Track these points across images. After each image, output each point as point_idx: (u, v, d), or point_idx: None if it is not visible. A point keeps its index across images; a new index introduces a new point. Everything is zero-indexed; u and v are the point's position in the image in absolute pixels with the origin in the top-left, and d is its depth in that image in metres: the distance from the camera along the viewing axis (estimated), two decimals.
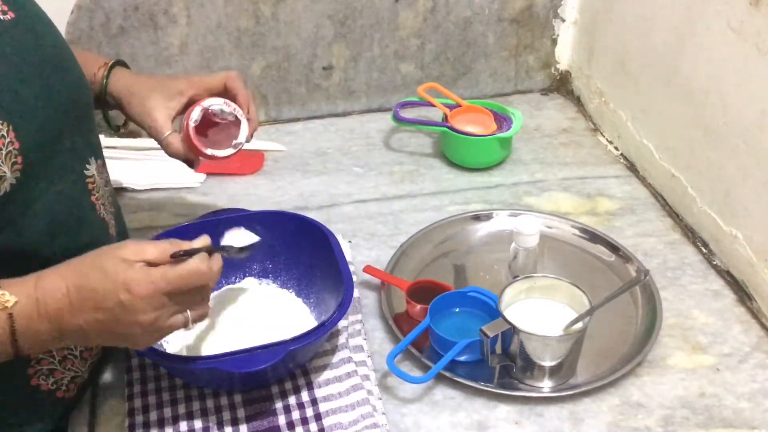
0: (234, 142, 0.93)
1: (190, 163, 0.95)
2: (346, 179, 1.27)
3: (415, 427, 0.86)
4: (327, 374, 0.89)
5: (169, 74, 1.34)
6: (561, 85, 1.53)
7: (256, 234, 0.98)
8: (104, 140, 1.02)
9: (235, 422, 0.84)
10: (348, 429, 0.83)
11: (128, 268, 0.69)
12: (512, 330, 0.86)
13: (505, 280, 1.04)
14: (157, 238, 0.95)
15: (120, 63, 0.98)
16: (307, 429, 0.83)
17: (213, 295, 0.96)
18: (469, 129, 1.27)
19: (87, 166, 0.83)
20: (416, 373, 0.91)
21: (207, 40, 1.33)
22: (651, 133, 1.24)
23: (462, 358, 0.91)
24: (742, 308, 1.01)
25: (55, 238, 0.77)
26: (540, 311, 0.91)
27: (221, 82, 0.94)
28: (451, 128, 1.27)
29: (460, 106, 1.32)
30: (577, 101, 1.49)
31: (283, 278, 0.99)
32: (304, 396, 0.87)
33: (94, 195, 0.84)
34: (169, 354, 0.85)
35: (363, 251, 1.10)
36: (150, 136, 0.94)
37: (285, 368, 0.87)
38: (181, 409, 0.86)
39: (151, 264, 0.71)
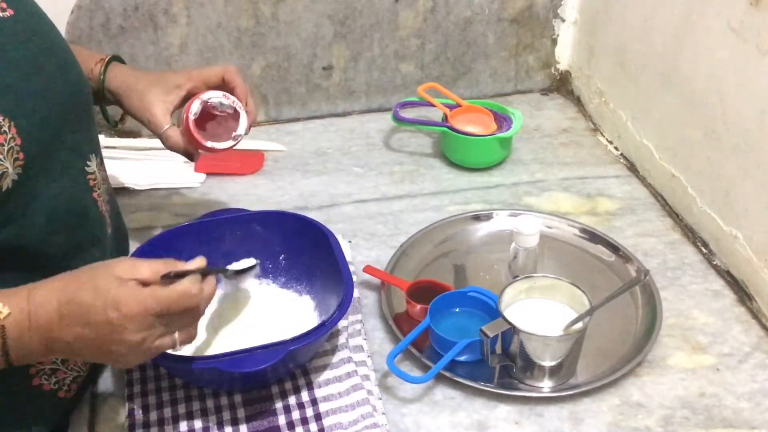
0: (233, 134, 0.93)
1: (190, 156, 0.95)
2: (346, 179, 1.27)
3: (415, 427, 0.86)
4: (327, 374, 0.89)
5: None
6: (561, 85, 1.53)
7: (256, 234, 0.99)
8: (104, 140, 1.03)
9: (235, 422, 0.84)
10: (348, 429, 0.83)
11: (119, 286, 0.68)
12: (512, 330, 0.86)
13: (505, 280, 1.04)
14: (157, 237, 0.95)
15: (116, 58, 0.98)
16: (307, 429, 0.83)
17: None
18: (469, 129, 1.27)
19: (88, 162, 0.83)
20: (416, 373, 0.91)
21: (207, 40, 1.33)
22: (651, 133, 1.24)
23: (462, 358, 0.91)
24: (742, 308, 1.01)
25: (57, 234, 0.78)
26: (540, 311, 0.91)
27: (219, 75, 0.95)
28: (451, 128, 1.27)
29: (460, 106, 1.32)
30: (577, 101, 1.49)
31: (283, 278, 0.99)
32: (304, 396, 0.87)
33: (96, 191, 0.84)
34: (169, 354, 0.84)
35: (363, 251, 1.10)
36: (149, 130, 0.94)
37: (285, 368, 0.87)
38: (181, 409, 0.86)
39: (144, 283, 0.70)
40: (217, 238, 0.98)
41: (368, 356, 0.92)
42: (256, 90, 1.40)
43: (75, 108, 0.81)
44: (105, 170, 0.92)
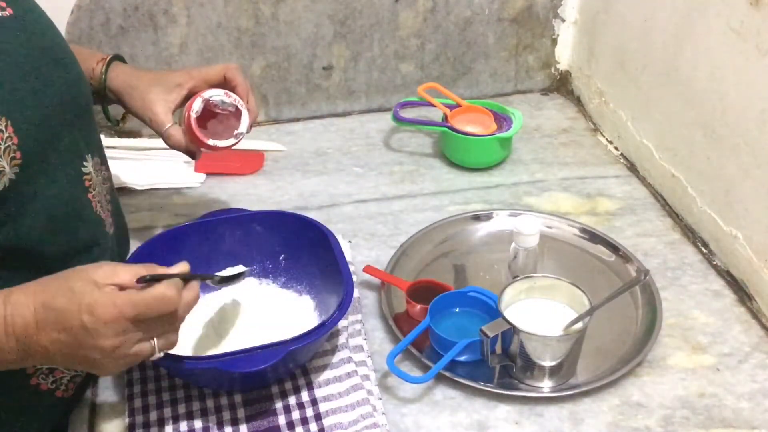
0: (235, 132, 0.93)
1: (192, 155, 0.95)
2: (346, 179, 1.27)
3: (415, 427, 0.86)
4: (327, 374, 0.89)
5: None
6: (561, 85, 1.53)
7: (256, 234, 0.99)
8: (104, 140, 1.02)
9: (235, 422, 0.84)
10: (348, 429, 0.83)
11: (95, 290, 0.67)
12: (512, 330, 0.86)
13: (505, 280, 1.04)
14: (157, 237, 0.95)
15: (117, 57, 0.98)
16: (307, 429, 0.83)
17: (213, 295, 0.97)
18: (469, 129, 1.27)
19: (84, 163, 0.83)
20: (416, 373, 0.91)
21: (207, 40, 1.33)
22: (651, 133, 1.24)
23: (462, 358, 0.91)
24: (742, 308, 1.01)
25: (53, 234, 0.77)
26: (540, 311, 0.91)
27: (220, 73, 0.95)
28: (451, 128, 1.27)
29: (460, 106, 1.32)
30: (577, 101, 1.49)
31: (283, 278, 0.99)
32: (304, 396, 0.87)
33: (90, 192, 0.84)
34: (169, 354, 0.84)
35: (363, 251, 1.10)
36: (151, 129, 0.94)
37: (285, 368, 0.87)
38: (181, 409, 0.86)
39: (122, 288, 0.69)
40: (217, 238, 0.98)
41: (368, 356, 0.92)
42: (257, 90, 1.39)
43: (73, 108, 0.81)
44: (108, 170, 0.92)
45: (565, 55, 1.51)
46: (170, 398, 0.87)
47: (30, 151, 0.72)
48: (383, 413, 0.86)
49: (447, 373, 0.89)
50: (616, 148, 1.35)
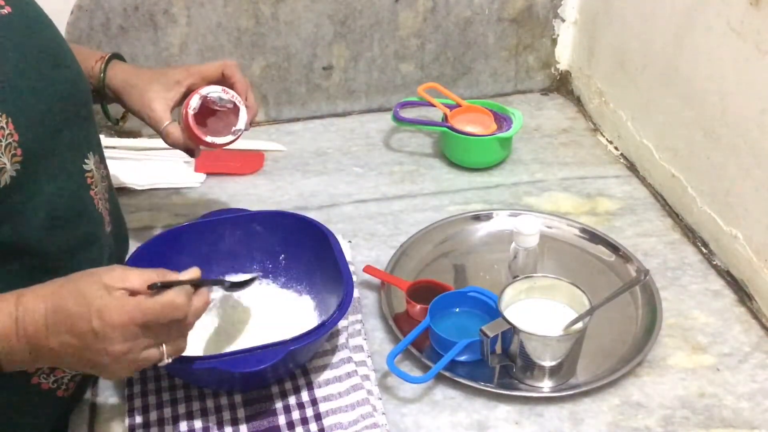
0: (233, 128, 0.93)
1: (191, 152, 0.95)
2: (346, 179, 1.27)
3: (415, 427, 0.86)
4: (327, 374, 0.89)
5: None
6: (561, 85, 1.53)
7: (256, 234, 0.99)
8: (104, 140, 1.03)
9: (235, 422, 0.84)
10: (348, 429, 0.83)
11: (106, 294, 0.67)
12: (512, 330, 0.86)
13: (505, 280, 1.04)
14: (157, 237, 0.95)
15: (116, 56, 0.98)
16: (307, 429, 0.83)
17: (213, 295, 0.97)
18: (469, 129, 1.27)
19: (86, 160, 0.83)
20: (416, 373, 0.91)
21: (207, 40, 1.33)
22: (651, 133, 1.24)
23: (462, 358, 0.91)
24: (742, 308, 1.01)
25: (54, 231, 0.77)
26: (540, 311, 0.91)
27: (218, 70, 0.95)
28: (451, 128, 1.27)
29: (460, 106, 1.32)
30: (577, 101, 1.49)
31: (283, 278, 0.99)
32: (304, 396, 0.87)
33: (93, 189, 0.84)
34: None
35: (363, 251, 1.10)
36: (149, 126, 0.94)
37: (285, 368, 0.87)
38: (181, 409, 0.86)
39: (133, 292, 0.69)
40: (217, 238, 0.98)
41: (368, 356, 0.92)
42: (257, 90, 1.39)
43: (73, 105, 0.81)
44: (106, 168, 0.92)
45: (565, 55, 1.51)
46: (170, 398, 0.87)
47: (31, 148, 0.73)
48: (383, 413, 0.86)
49: (447, 373, 0.89)
50: (616, 148, 1.35)
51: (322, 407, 0.85)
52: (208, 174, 1.27)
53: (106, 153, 0.94)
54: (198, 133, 0.91)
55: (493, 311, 0.91)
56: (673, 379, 0.91)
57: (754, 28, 0.97)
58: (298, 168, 1.30)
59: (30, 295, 0.69)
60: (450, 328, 0.93)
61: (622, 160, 1.32)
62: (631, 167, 1.29)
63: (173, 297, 0.70)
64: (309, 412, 0.85)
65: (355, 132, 1.40)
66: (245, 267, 0.99)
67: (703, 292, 1.03)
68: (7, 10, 0.75)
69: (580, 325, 0.87)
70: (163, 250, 0.94)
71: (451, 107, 1.31)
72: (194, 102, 0.91)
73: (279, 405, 0.86)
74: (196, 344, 0.90)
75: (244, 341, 0.84)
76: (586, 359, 0.91)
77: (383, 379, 0.91)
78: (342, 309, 0.85)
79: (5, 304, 0.68)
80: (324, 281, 0.95)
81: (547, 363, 0.88)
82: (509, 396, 0.88)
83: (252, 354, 0.80)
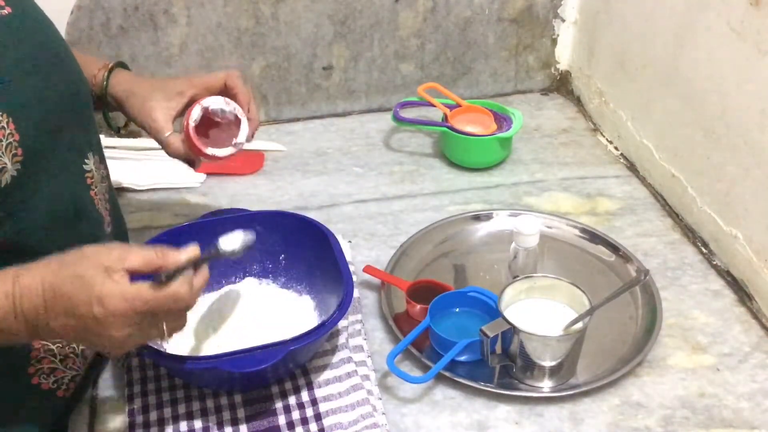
0: (234, 141, 0.92)
1: (191, 163, 0.95)
2: (346, 179, 1.27)
3: (415, 427, 0.86)
4: (327, 374, 0.89)
5: (169, 75, 1.34)
6: (561, 85, 1.53)
7: (255, 233, 0.99)
8: (104, 140, 1.02)
9: (235, 422, 0.84)
10: (348, 429, 0.83)
11: (106, 279, 0.67)
12: (512, 330, 0.86)
13: (505, 280, 1.04)
14: (157, 238, 0.95)
15: (120, 64, 0.98)
16: (307, 429, 0.83)
17: (213, 295, 0.97)
18: (469, 129, 1.27)
19: (86, 160, 0.84)
20: (416, 373, 0.91)
21: (207, 40, 1.33)
22: (651, 133, 1.24)
23: (462, 358, 0.91)
24: (742, 308, 1.01)
25: (54, 231, 0.78)
26: (540, 311, 0.91)
27: (221, 81, 0.94)
28: (451, 128, 1.27)
29: (460, 106, 1.32)
30: (577, 101, 1.49)
31: (283, 278, 0.99)
32: (304, 396, 0.87)
33: (93, 189, 0.84)
34: (169, 354, 0.85)
35: (363, 251, 1.10)
36: (150, 136, 0.94)
37: (285, 368, 0.87)
38: (181, 409, 0.86)
39: (133, 273, 0.69)
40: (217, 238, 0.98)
41: (368, 356, 0.92)
42: (257, 90, 1.40)
43: (73, 106, 0.82)
44: (106, 169, 0.92)
45: (565, 55, 1.51)
46: (170, 398, 0.87)
47: (31, 148, 0.73)
48: (383, 413, 0.86)
49: (447, 373, 0.89)
50: (616, 148, 1.35)
51: (322, 407, 0.85)
52: (208, 174, 1.27)
53: (106, 153, 0.94)
54: (198, 144, 0.90)
55: (493, 311, 0.91)
56: (673, 379, 0.91)
57: (754, 28, 0.97)
58: (298, 168, 1.30)
59: (27, 275, 0.68)
60: (450, 328, 0.93)
61: (622, 160, 1.32)
62: (631, 167, 1.29)
63: (177, 288, 0.70)
64: (309, 412, 0.85)
65: (355, 132, 1.40)
66: (245, 267, 0.99)
67: (703, 292, 1.03)
68: (7, 10, 0.75)
69: (580, 325, 0.87)
70: None
71: (451, 107, 1.31)
72: (195, 113, 0.90)
73: (279, 405, 0.86)
74: (196, 344, 0.90)
75: (244, 341, 0.84)
76: (586, 359, 0.91)
77: (383, 379, 0.91)
78: (342, 309, 0.85)
79: (2, 283, 0.68)
80: (324, 281, 0.95)
81: (547, 363, 0.88)
82: (509, 396, 0.88)
83: (252, 354, 0.80)
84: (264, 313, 0.95)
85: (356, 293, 0.99)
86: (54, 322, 0.68)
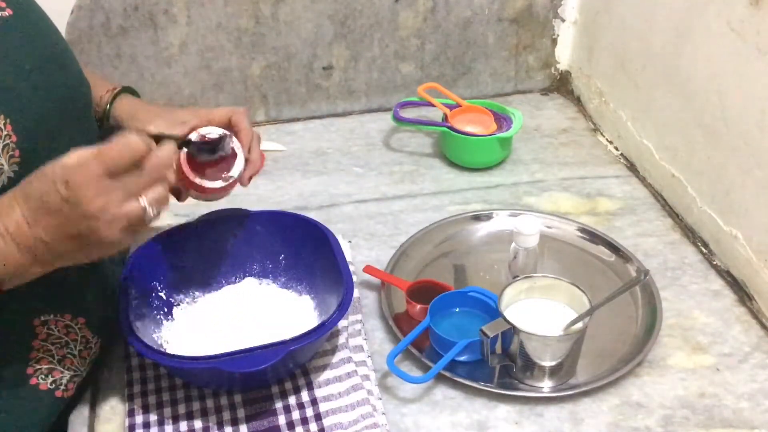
0: (225, 175, 0.88)
1: (177, 195, 0.91)
2: (346, 179, 1.27)
3: (415, 427, 0.86)
4: (327, 374, 0.89)
5: (169, 75, 1.34)
6: (561, 85, 1.53)
7: (256, 234, 0.99)
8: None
9: (235, 422, 0.84)
10: (348, 429, 0.83)
11: (64, 159, 0.66)
12: (512, 330, 0.86)
13: (505, 280, 1.04)
14: (157, 238, 0.95)
15: (127, 89, 0.97)
16: (307, 429, 0.83)
17: (213, 295, 0.97)
18: (469, 129, 1.27)
19: None
20: (416, 373, 0.91)
21: (207, 40, 1.33)
22: (651, 133, 1.24)
23: (462, 358, 0.91)
24: (742, 308, 1.01)
25: None
26: (540, 311, 0.91)
27: (226, 116, 0.91)
28: (451, 128, 1.27)
29: (460, 106, 1.32)
30: (577, 101, 1.49)
31: (283, 278, 0.99)
32: (304, 396, 0.87)
33: None
34: (169, 354, 0.84)
35: (363, 251, 1.10)
36: None
37: (285, 368, 0.87)
38: (181, 409, 0.86)
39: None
40: (217, 238, 0.98)
41: (368, 356, 0.92)
42: (257, 90, 1.40)
43: (72, 108, 0.82)
44: None
45: (565, 55, 1.51)
46: (170, 398, 0.87)
47: (28, 150, 0.73)
48: (383, 413, 0.86)
49: (447, 373, 0.89)
50: (616, 148, 1.35)
51: (322, 407, 0.85)
52: None
53: None
54: (186, 170, 0.85)
55: (493, 311, 0.91)
56: (673, 379, 0.91)
57: (754, 28, 0.97)
58: (298, 168, 1.30)
59: (2, 198, 0.68)
60: (450, 328, 0.93)
61: (622, 160, 1.32)
62: (631, 167, 1.29)
63: (127, 137, 0.68)
64: (309, 412, 0.85)
65: (355, 132, 1.40)
66: (245, 267, 1.00)
67: (703, 292, 1.03)
68: (8, 12, 0.75)
69: (580, 325, 0.87)
70: (163, 250, 0.94)
71: (451, 107, 1.31)
72: (191, 137, 0.86)
73: (279, 405, 0.86)
74: (196, 344, 0.90)
75: (244, 341, 0.84)
76: (586, 359, 0.91)
77: (383, 379, 0.91)
78: (342, 309, 0.85)
79: None
80: (324, 281, 0.95)
81: (547, 363, 0.88)
82: (509, 396, 0.88)
83: (252, 354, 0.80)
84: (264, 313, 0.95)
85: (356, 293, 0.99)
86: (37, 229, 0.67)
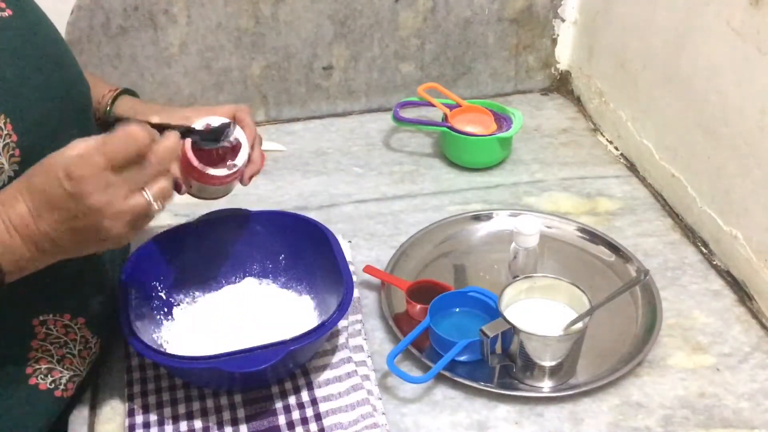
0: (229, 163, 0.87)
1: (178, 187, 0.89)
2: (346, 179, 1.27)
3: (415, 427, 0.86)
4: (327, 374, 0.89)
5: (169, 75, 1.34)
6: (561, 85, 1.53)
7: (256, 234, 0.99)
8: None
9: (235, 422, 0.84)
10: (348, 429, 0.83)
11: (66, 151, 0.65)
12: (512, 330, 0.86)
13: (505, 280, 1.04)
14: (157, 238, 0.95)
15: (128, 91, 0.97)
16: (307, 429, 0.83)
17: (213, 295, 0.97)
18: (469, 129, 1.27)
19: None
20: (416, 373, 0.91)
21: (207, 40, 1.33)
22: (651, 133, 1.24)
23: (462, 358, 0.91)
24: (742, 308, 1.01)
25: None
26: (540, 311, 0.91)
27: (230, 112, 0.91)
28: (451, 128, 1.27)
29: (460, 106, 1.32)
30: (577, 101, 1.49)
31: (283, 278, 0.99)
32: (304, 396, 0.87)
33: None
34: (169, 354, 0.85)
35: (363, 251, 1.10)
36: None
37: (285, 368, 0.87)
38: (181, 409, 0.86)
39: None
40: (217, 238, 0.98)
41: (368, 356, 0.92)
42: (257, 90, 1.40)
43: (73, 107, 0.82)
44: None
45: (565, 55, 1.51)
46: (170, 398, 0.87)
47: (29, 149, 0.73)
48: (383, 413, 0.86)
49: (447, 373, 0.89)
50: (616, 148, 1.35)
51: (322, 407, 0.85)
52: None
53: None
54: (191, 158, 0.85)
55: (493, 311, 0.91)
56: (673, 379, 0.91)
57: (754, 28, 0.97)
58: (298, 168, 1.30)
59: (5, 191, 0.68)
60: (450, 328, 0.93)
61: (622, 160, 1.32)
62: (631, 167, 1.29)
63: (129, 127, 0.67)
64: (309, 412, 0.85)
65: (355, 132, 1.40)
66: (245, 267, 1.00)
67: (703, 292, 1.03)
68: (8, 12, 0.75)
69: (580, 325, 0.87)
70: (163, 250, 0.94)
71: (451, 107, 1.31)
72: (197, 126, 0.86)
73: (279, 405, 0.86)
74: (196, 344, 0.90)
75: (244, 341, 0.84)
76: (586, 359, 0.91)
77: (383, 379, 0.91)
78: (342, 309, 0.85)
79: None
80: (324, 281, 0.95)
81: (547, 363, 0.88)
82: (509, 396, 0.88)
83: (252, 354, 0.80)
84: (264, 313, 0.95)
85: (356, 293, 0.99)
86: (42, 223, 0.66)
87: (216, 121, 0.87)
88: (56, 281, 0.80)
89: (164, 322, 0.93)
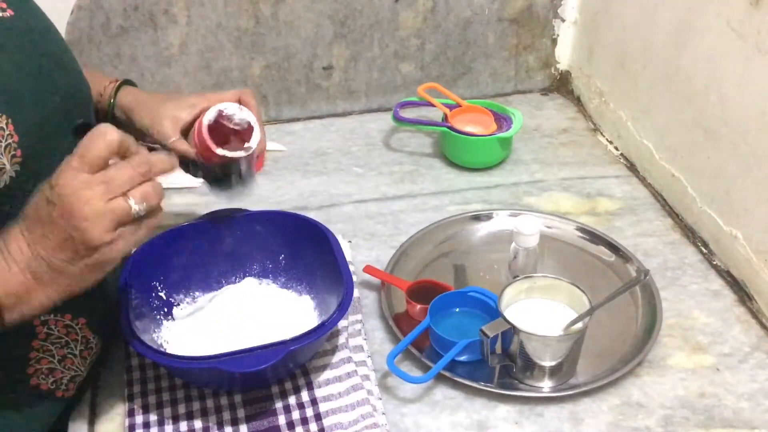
0: (246, 145, 0.90)
1: (189, 168, 0.92)
2: (346, 179, 1.27)
3: (415, 427, 0.86)
4: (327, 374, 0.89)
5: (169, 75, 1.34)
6: (561, 85, 1.53)
7: (256, 234, 0.99)
8: None
9: (235, 422, 0.84)
10: (348, 429, 0.83)
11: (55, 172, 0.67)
12: (512, 330, 0.86)
13: (505, 280, 1.04)
14: (157, 238, 0.95)
15: (128, 82, 0.98)
16: (307, 429, 0.83)
17: (213, 295, 0.97)
18: (469, 129, 1.27)
19: None
20: (416, 373, 0.91)
21: (207, 40, 1.33)
22: (651, 133, 1.24)
23: (462, 358, 0.91)
24: (742, 308, 1.01)
25: None
26: (540, 311, 0.91)
27: (234, 97, 0.93)
28: (451, 128, 1.27)
29: (460, 106, 1.32)
30: (577, 101, 1.49)
31: (283, 278, 0.99)
32: (304, 396, 0.87)
33: None
34: (169, 354, 0.85)
35: (363, 251, 1.10)
36: (155, 142, 0.92)
37: (285, 368, 0.87)
38: (181, 409, 0.86)
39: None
40: (217, 238, 0.98)
41: (368, 356, 0.92)
42: (257, 90, 1.40)
43: (73, 107, 0.82)
44: None
45: (565, 55, 1.51)
46: (170, 398, 0.87)
47: (30, 150, 0.73)
48: (383, 413, 0.86)
49: (447, 373, 0.89)
50: (616, 148, 1.35)
51: (322, 407, 0.85)
52: None
53: None
54: (210, 143, 0.89)
55: (493, 311, 0.91)
56: (673, 379, 0.91)
57: (754, 28, 0.97)
58: (298, 168, 1.30)
59: (6, 233, 0.69)
60: (450, 328, 0.93)
61: (622, 160, 1.32)
62: (631, 167, 1.29)
63: (100, 128, 0.67)
64: (309, 412, 0.85)
65: (355, 132, 1.40)
66: (245, 267, 0.99)
67: (703, 292, 1.03)
68: (9, 13, 0.75)
69: (580, 325, 0.87)
70: (163, 250, 0.94)
71: (451, 107, 1.31)
72: (210, 114, 0.90)
73: (279, 405, 0.86)
74: (196, 344, 0.90)
75: (244, 341, 0.84)
76: (586, 359, 0.91)
77: (383, 379, 0.91)
78: (342, 309, 0.85)
79: None
80: (324, 281, 0.95)
81: (547, 363, 0.88)
82: (509, 396, 0.88)
83: (252, 354, 0.80)
84: (264, 313, 0.95)
85: (356, 293, 0.99)
86: (38, 248, 0.66)
87: (229, 107, 0.90)
88: None
89: (164, 322, 0.93)
